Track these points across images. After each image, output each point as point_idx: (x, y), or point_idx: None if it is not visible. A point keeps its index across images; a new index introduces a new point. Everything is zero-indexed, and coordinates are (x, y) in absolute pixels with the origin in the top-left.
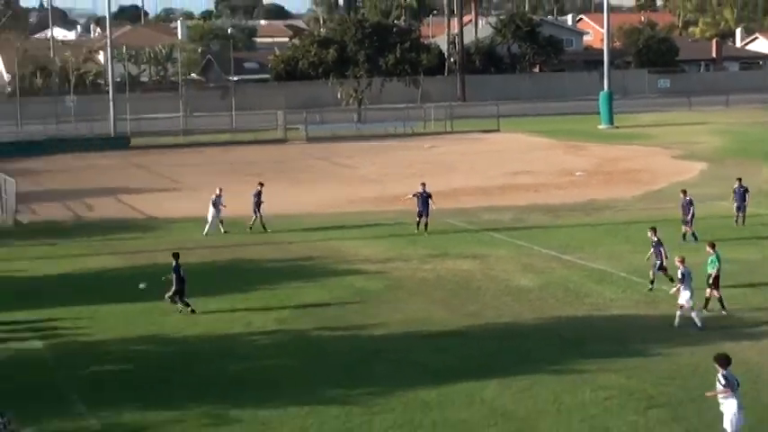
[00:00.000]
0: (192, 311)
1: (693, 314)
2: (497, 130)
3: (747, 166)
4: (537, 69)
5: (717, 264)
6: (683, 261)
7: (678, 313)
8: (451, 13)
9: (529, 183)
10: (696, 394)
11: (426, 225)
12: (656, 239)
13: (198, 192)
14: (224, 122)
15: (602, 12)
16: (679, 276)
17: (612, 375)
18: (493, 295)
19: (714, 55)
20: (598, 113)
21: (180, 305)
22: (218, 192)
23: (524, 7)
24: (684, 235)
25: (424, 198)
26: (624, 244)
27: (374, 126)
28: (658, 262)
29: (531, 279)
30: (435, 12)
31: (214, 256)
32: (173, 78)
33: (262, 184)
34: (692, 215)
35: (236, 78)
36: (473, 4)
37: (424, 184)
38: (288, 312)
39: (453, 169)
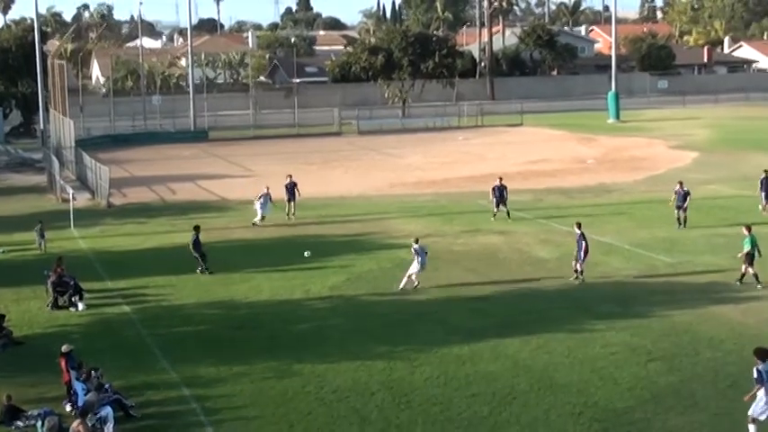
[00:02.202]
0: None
1: None
2: (521, 125)
3: (734, 154)
4: (555, 72)
5: (750, 244)
6: (749, 229)
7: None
8: (482, 24)
9: (547, 169)
10: (689, 349)
11: (508, 213)
12: (579, 233)
13: (266, 178)
14: (288, 118)
15: (611, 23)
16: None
17: (618, 333)
18: (516, 265)
19: (705, 60)
20: (607, 110)
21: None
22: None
23: (544, 19)
24: (679, 220)
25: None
26: (629, 221)
27: (416, 121)
28: (581, 255)
29: (549, 251)
30: (468, 23)
31: (280, 233)
32: (244, 81)
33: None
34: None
35: (298, 80)
36: (501, 17)
37: (500, 178)
38: (341, 280)
39: (483, 158)
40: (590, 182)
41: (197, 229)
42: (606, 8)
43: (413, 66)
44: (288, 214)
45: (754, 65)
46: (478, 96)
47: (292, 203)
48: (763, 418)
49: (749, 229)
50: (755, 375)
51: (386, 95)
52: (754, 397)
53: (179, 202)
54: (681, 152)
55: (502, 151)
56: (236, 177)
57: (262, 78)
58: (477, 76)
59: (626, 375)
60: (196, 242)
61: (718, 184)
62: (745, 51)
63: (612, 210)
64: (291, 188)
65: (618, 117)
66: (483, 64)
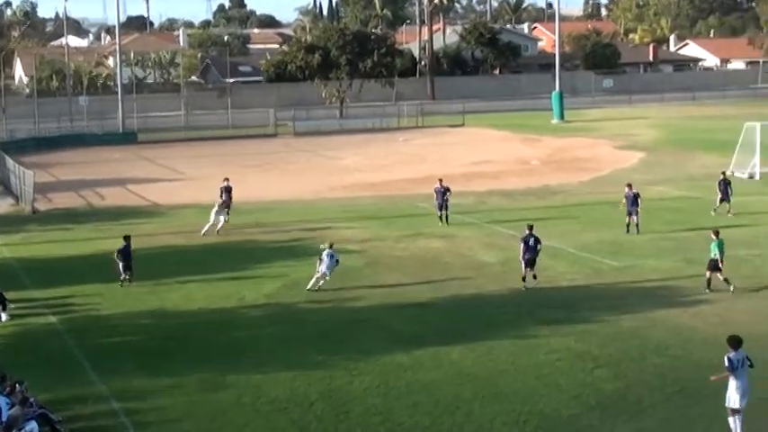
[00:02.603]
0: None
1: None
2: (462, 125)
3: (680, 155)
4: (497, 71)
5: (718, 249)
6: (717, 233)
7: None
8: (422, 22)
9: (490, 170)
10: (636, 354)
11: (447, 218)
12: (528, 234)
13: (198, 181)
14: (221, 119)
15: (554, 21)
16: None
17: (563, 339)
18: (459, 270)
19: (651, 58)
20: (551, 110)
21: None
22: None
23: (486, 17)
24: (629, 225)
25: (442, 192)
26: (574, 224)
27: (354, 122)
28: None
29: (493, 255)
30: (408, 21)
31: (213, 239)
32: (175, 81)
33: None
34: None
35: (231, 80)
36: (441, 15)
37: (440, 180)
38: (277, 288)
39: (424, 159)
40: (534, 184)
41: (127, 238)
42: (549, 5)
43: (351, 65)
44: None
45: (700, 63)
46: (419, 96)
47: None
48: (742, 405)
49: (717, 233)
50: (726, 364)
51: (323, 95)
52: (722, 379)
53: (108, 208)
54: (626, 152)
55: (443, 152)
56: (167, 181)
57: (194, 78)
58: (418, 76)
59: (571, 382)
60: (125, 251)
61: (664, 186)
62: (692, 49)
63: (557, 212)
64: (228, 192)
65: (562, 117)
66: (423, 63)
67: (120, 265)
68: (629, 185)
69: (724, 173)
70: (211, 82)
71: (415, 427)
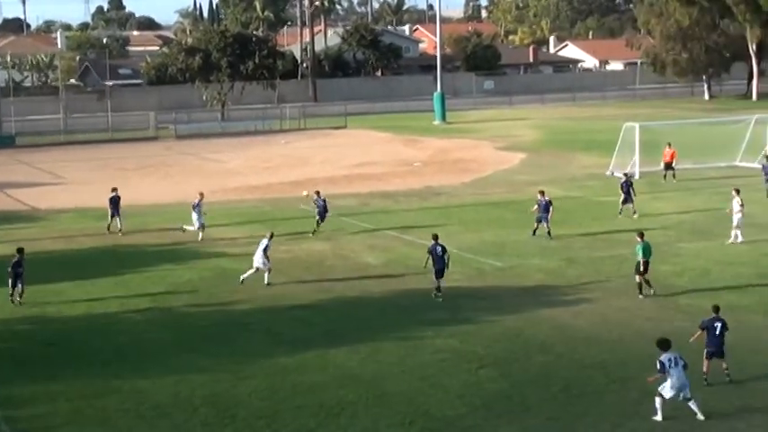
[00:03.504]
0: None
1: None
2: (345, 127)
3: (561, 155)
4: (379, 73)
5: (645, 251)
6: (641, 236)
7: None
8: (304, 24)
9: (372, 172)
10: (520, 354)
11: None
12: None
13: (78, 185)
14: (101, 123)
15: (435, 22)
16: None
17: (447, 339)
18: (342, 272)
19: (531, 60)
20: (432, 111)
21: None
22: (199, 196)
23: (368, 19)
24: (535, 231)
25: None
26: (456, 225)
27: (236, 124)
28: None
29: (376, 257)
30: (290, 23)
31: (94, 243)
32: (53, 84)
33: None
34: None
35: (111, 83)
36: (322, 17)
37: (542, 192)
38: (160, 291)
39: (307, 162)
40: (416, 185)
41: (21, 251)
42: (430, 7)
43: (232, 67)
44: (109, 228)
45: (579, 64)
46: (301, 98)
47: (117, 218)
48: (668, 396)
49: (642, 236)
50: (658, 366)
51: (204, 98)
52: (657, 379)
53: None
54: (508, 153)
55: (326, 154)
56: (46, 185)
57: (72, 81)
58: (300, 78)
59: (456, 382)
60: (18, 264)
61: (546, 186)
62: (571, 51)
63: (440, 213)
64: (116, 202)
65: (444, 118)
66: (305, 65)
67: (10, 280)
68: (542, 192)
69: (627, 174)
70: (91, 85)
71: (301, 429)
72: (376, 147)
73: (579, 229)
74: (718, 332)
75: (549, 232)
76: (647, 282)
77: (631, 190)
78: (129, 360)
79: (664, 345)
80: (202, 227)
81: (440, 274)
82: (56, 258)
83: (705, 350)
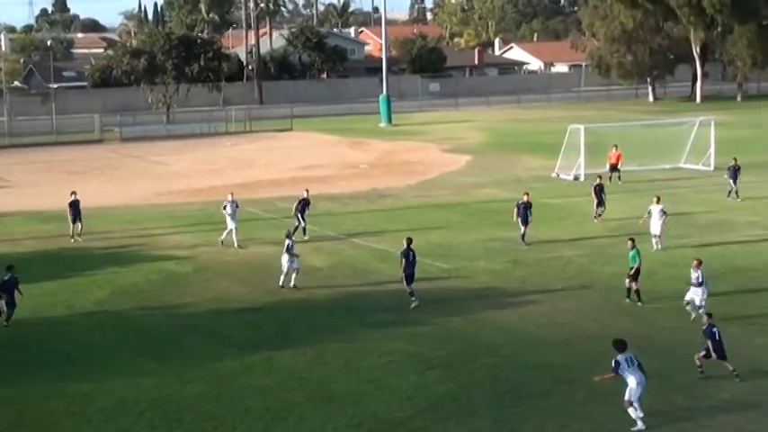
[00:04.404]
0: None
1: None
2: (291, 130)
3: (506, 157)
4: (325, 75)
5: (637, 259)
6: (633, 241)
7: None
8: (249, 26)
9: (318, 175)
10: (466, 355)
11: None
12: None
13: (22, 188)
14: (46, 125)
15: (381, 25)
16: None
17: (394, 342)
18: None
19: (476, 62)
20: (378, 113)
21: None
22: (230, 198)
23: (313, 21)
24: (523, 236)
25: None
26: (403, 227)
27: (182, 127)
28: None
29: (323, 259)
30: (235, 25)
31: (35, 247)
32: None
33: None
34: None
35: (55, 86)
36: (268, 19)
37: (527, 194)
38: (106, 295)
39: (253, 164)
40: (363, 187)
41: (10, 268)
42: (376, 9)
43: (177, 69)
44: (73, 235)
45: (524, 66)
46: (246, 100)
47: (78, 223)
48: (636, 395)
49: (633, 241)
50: (613, 365)
51: (149, 100)
52: (606, 380)
53: None
54: (453, 156)
55: (272, 157)
56: None
57: (16, 83)
58: (245, 80)
59: (403, 384)
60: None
61: (491, 188)
62: (516, 53)
63: (386, 216)
64: (76, 206)
65: (390, 120)
66: (250, 67)
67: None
68: (527, 194)
69: (600, 177)
70: (35, 87)
71: None
72: (322, 149)
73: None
74: (717, 337)
75: (523, 236)
76: (637, 292)
77: (603, 194)
78: (76, 363)
79: (620, 345)
80: (235, 229)
81: (410, 279)
82: (0, 262)
83: (703, 352)
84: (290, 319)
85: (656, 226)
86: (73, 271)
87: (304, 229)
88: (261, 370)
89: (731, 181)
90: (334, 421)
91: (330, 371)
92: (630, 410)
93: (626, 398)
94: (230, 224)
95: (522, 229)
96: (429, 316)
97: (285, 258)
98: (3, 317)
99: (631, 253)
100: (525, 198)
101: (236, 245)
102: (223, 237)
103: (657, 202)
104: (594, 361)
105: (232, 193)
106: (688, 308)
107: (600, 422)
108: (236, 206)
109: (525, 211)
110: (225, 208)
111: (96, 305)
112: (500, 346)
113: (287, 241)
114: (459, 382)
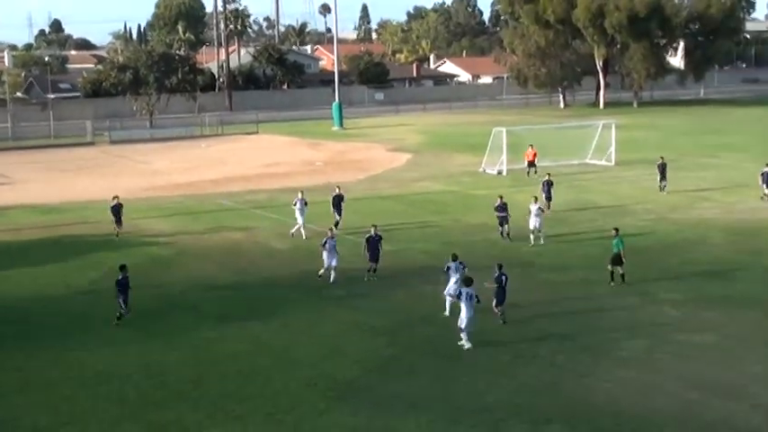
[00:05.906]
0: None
1: None
2: (257, 133)
3: (441, 155)
4: (285, 86)
5: (621, 245)
6: (617, 231)
7: None
8: (220, 44)
9: (281, 171)
10: (407, 325)
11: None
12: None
13: (23, 184)
14: (44, 130)
15: (333, 43)
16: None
17: (346, 312)
18: (256, 257)
19: (415, 74)
20: (331, 119)
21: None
22: (299, 196)
23: (275, 40)
24: (502, 233)
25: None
26: (353, 215)
27: (163, 131)
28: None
29: (284, 244)
30: (208, 43)
31: (36, 235)
32: (1, 97)
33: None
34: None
35: (53, 96)
36: (236, 38)
37: (501, 196)
38: (99, 275)
39: (224, 162)
40: (319, 181)
41: (123, 268)
42: (329, 30)
43: (158, 81)
44: (117, 234)
45: (455, 78)
46: (218, 108)
47: (120, 224)
48: (463, 326)
49: (617, 231)
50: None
51: (134, 108)
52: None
53: None
54: (396, 154)
55: (241, 156)
56: None
57: (19, 94)
58: (217, 90)
59: (355, 349)
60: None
61: (428, 181)
62: (448, 67)
63: None
64: (117, 210)
65: (341, 125)
66: (222, 79)
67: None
68: (500, 197)
69: (549, 174)
70: (35, 97)
71: (223, 392)
72: (283, 149)
73: (456, 218)
74: (503, 284)
75: (508, 234)
76: (622, 275)
77: (551, 189)
78: (73, 335)
79: (468, 281)
80: (302, 225)
81: (376, 259)
82: (4, 249)
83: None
84: (258, 295)
85: (534, 222)
86: (70, 255)
87: (337, 223)
88: (233, 338)
89: (659, 176)
90: (296, 381)
91: (292, 338)
92: (462, 335)
93: (459, 324)
94: (299, 219)
95: (500, 227)
96: (375, 290)
97: (325, 255)
98: (123, 311)
99: (614, 241)
100: (499, 201)
101: (303, 237)
102: (294, 230)
103: (535, 201)
104: (518, 326)
105: (302, 191)
106: (532, 236)
107: (521, 380)
108: (305, 203)
109: (504, 210)
110: (294, 204)
111: (91, 284)
112: (436, 317)
113: (329, 239)
114: (401, 347)
